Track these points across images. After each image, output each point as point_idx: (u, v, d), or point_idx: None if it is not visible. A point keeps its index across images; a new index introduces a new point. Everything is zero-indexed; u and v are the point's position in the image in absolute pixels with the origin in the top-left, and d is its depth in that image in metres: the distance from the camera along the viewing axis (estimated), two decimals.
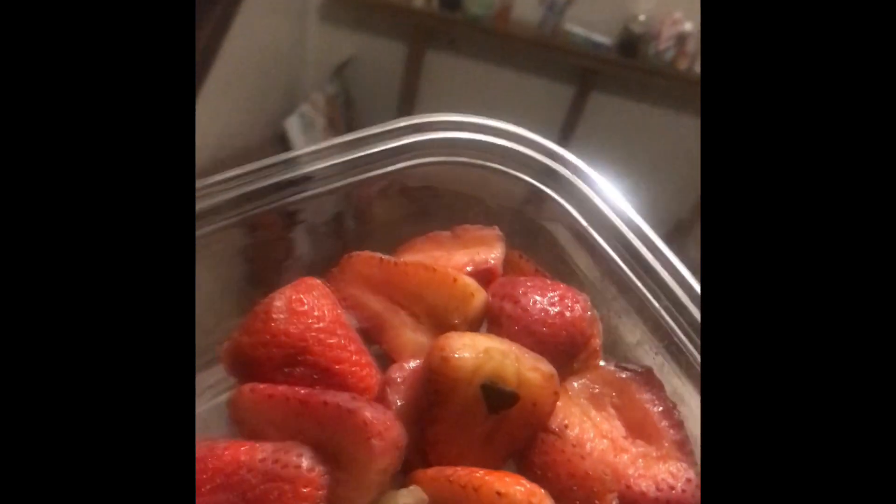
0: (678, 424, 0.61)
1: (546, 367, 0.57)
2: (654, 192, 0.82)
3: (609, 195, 0.66)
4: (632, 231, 0.65)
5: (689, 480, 0.59)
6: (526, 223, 0.71)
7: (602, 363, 0.65)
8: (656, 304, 0.64)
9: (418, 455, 0.58)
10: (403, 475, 0.58)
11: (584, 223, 0.67)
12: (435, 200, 0.71)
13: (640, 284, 0.65)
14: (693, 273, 0.64)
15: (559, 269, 0.69)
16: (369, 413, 0.53)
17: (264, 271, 0.68)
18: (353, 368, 0.60)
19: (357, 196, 0.67)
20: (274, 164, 0.62)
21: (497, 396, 0.56)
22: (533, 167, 0.68)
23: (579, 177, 0.67)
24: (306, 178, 0.63)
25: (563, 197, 0.67)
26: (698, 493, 0.59)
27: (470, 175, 0.69)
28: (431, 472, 0.56)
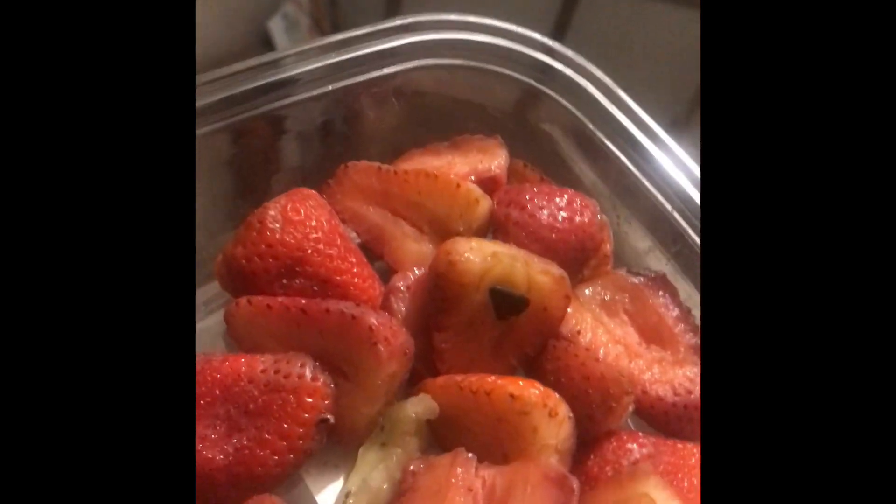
0: (694, 329, 0.59)
1: (556, 270, 0.54)
2: (650, 86, 0.79)
3: (607, 89, 0.62)
4: (634, 124, 0.62)
5: None
6: (527, 128, 0.67)
7: (613, 270, 0.62)
8: (668, 207, 0.62)
9: (426, 366, 0.55)
10: (412, 387, 0.55)
11: (585, 120, 0.63)
12: (430, 108, 0.67)
13: (648, 184, 0.62)
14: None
15: (564, 175, 0.66)
16: (374, 319, 0.50)
17: (253, 182, 0.64)
18: (355, 279, 0.57)
19: (347, 103, 0.64)
20: (258, 66, 0.58)
21: (506, 301, 0.54)
22: (529, 65, 0.65)
23: (576, 71, 0.64)
24: (292, 82, 0.59)
25: (561, 94, 0.64)
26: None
27: (464, 78, 0.66)
28: (441, 380, 0.53)
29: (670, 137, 0.62)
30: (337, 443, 0.52)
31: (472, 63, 0.65)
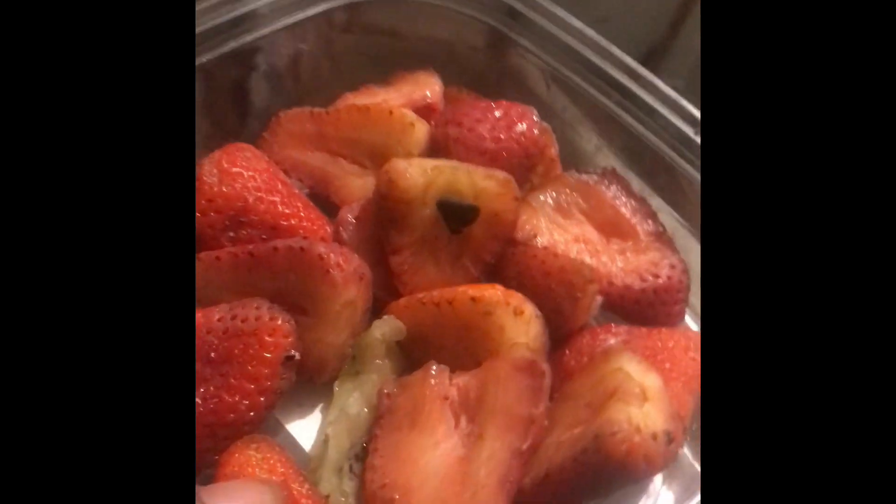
0: (652, 215, 0.58)
1: (501, 174, 0.53)
2: (626, 19, 0.78)
3: (578, 32, 0.62)
4: (609, 62, 0.61)
5: (672, 266, 0.56)
6: (496, 71, 0.67)
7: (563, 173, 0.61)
8: (608, 103, 0.61)
9: (389, 292, 0.55)
10: (377, 316, 0.54)
11: (558, 65, 0.63)
12: (398, 44, 0.66)
13: (586, 85, 0.62)
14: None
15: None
16: (323, 248, 0.50)
17: (225, 123, 0.63)
18: (304, 222, 0.56)
19: (312, 38, 0.63)
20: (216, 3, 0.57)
21: (456, 212, 0.53)
22: (495, 8, 0.64)
23: (544, 16, 0.63)
24: (252, 17, 0.58)
25: (530, 40, 0.64)
26: (685, 277, 0.56)
27: (431, 15, 0.65)
28: (403, 300, 0.52)
29: (647, 70, 0.61)
30: (310, 381, 0.51)
31: (439, 2, 0.65)
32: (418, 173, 0.52)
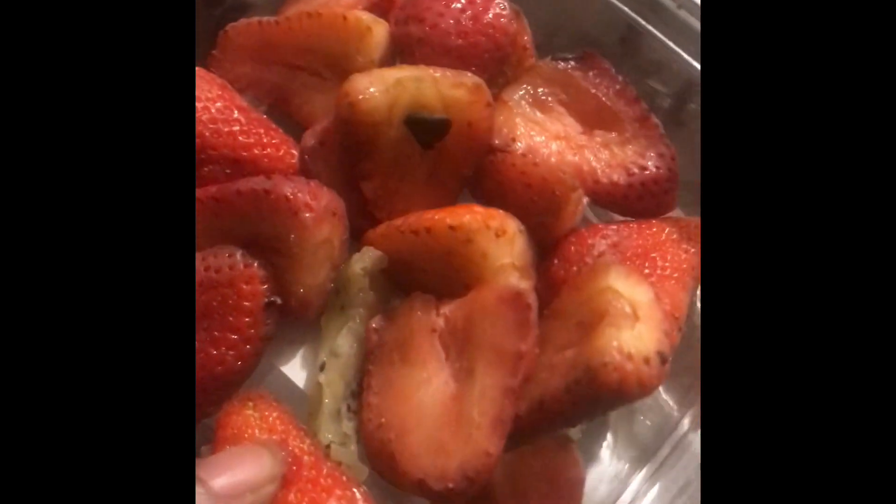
0: (635, 100, 0.54)
1: (470, 79, 0.49)
2: None
3: None
4: None
5: (659, 156, 0.53)
6: None
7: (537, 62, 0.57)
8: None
9: (366, 219, 0.52)
10: (357, 242, 0.52)
11: None
12: None
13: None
14: None
15: None
16: (289, 188, 0.47)
17: None
18: (266, 151, 0.53)
19: None
20: None
21: (426, 128, 0.49)
22: None
23: None
24: None
25: None
26: (674, 165, 0.54)
27: None
28: (381, 228, 0.50)
29: None
30: (297, 319, 0.50)
31: None
32: (380, 92, 0.48)
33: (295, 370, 0.51)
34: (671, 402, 0.56)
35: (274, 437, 0.44)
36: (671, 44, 0.58)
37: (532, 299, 0.43)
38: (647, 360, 0.40)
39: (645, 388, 0.40)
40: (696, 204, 0.51)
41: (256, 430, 0.44)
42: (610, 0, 0.59)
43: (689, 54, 0.58)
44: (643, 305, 0.43)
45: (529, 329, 0.42)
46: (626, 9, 0.59)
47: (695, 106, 0.59)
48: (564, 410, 0.42)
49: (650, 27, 0.59)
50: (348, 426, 0.47)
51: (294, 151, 0.54)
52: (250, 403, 0.46)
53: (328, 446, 0.45)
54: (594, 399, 0.40)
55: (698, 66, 0.57)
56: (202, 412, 0.48)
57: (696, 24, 0.57)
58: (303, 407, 0.48)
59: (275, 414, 0.45)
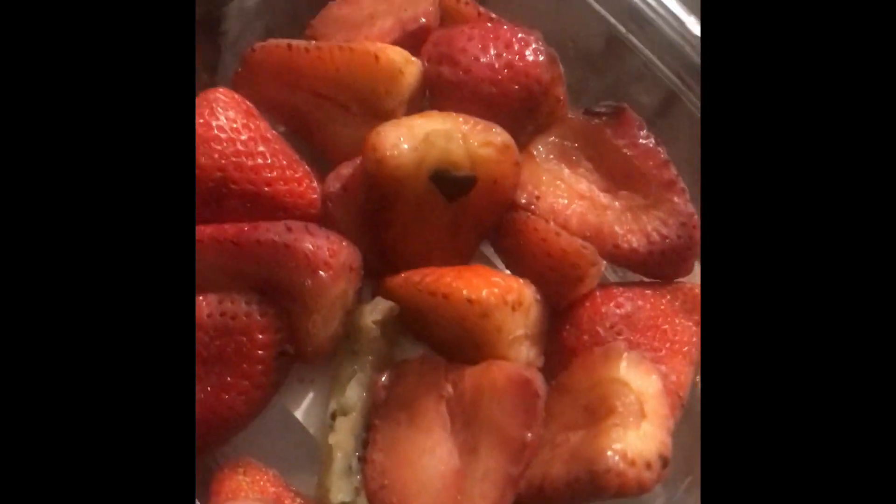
0: (664, 163, 0.53)
1: (500, 137, 0.49)
2: None
3: None
4: None
5: (681, 225, 0.52)
6: None
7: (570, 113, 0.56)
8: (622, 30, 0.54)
9: (384, 262, 0.52)
10: (371, 279, 0.53)
11: None
12: None
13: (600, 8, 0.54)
14: None
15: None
16: (309, 243, 0.47)
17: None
18: (288, 186, 0.52)
19: None
20: None
21: (452, 184, 0.49)
22: None
23: None
24: None
25: None
26: (696, 233, 0.53)
27: None
28: (399, 279, 0.50)
29: None
30: (306, 362, 0.51)
31: None
32: (409, 148, 0.47)
33: (298, 405, 0.52)
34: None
35: (267, 497, 0.45)
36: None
37: (541, 387, 0.44)
38: (649, 465, 0.41)
39: (644, 490, 0.41)
40: None
41: (250, 494, 0.46)
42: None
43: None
44: (651, 399, 0.43)
45: (536, 418, 0.43)
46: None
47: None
48: (563, 499, 0.43)
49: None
50: (357, 480, 0.48)
51: (315, 185, 0.53)
52: (240, 469, 0.47)
53: None
54: (593, 495, 0.42)
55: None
56: (207, 449, 0.49)
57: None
58: (310, 448, 0.50)
59: (265, 477, 0.47)
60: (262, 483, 0.47)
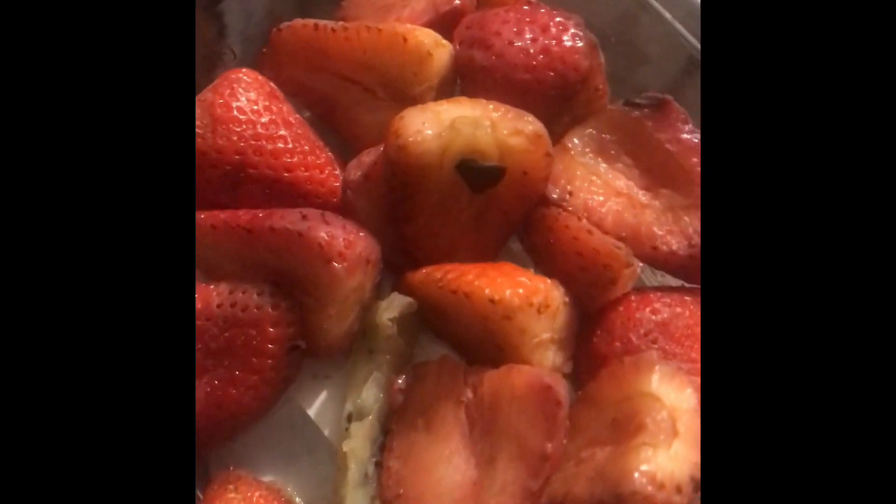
0: None
1: (531, 126, 0.45)
2: None
3: None
4: None
5: None
6: None
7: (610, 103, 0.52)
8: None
9: (404, 256, 0.50)
10: (392, 275, 0.50)
11: None
12: None
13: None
14: None
15: None
16: (324, 232, 0.44)
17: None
18: (309, 173, 0.50)
19: None
20: None
21: (478, 175, 0.46)
22: None
23: None
24: None
25: None
26: None
27: None
28: (419, 275, 0.47)
29: None
30: (319, 358, 0.48)
31: None
32: (433, 135, 0.44)
33: (311, 402, 0.49)
34: None
35: None
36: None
37: (563, 395, 0.40)
38: (679, 489, 0.37)
39: None
40: None
41: None
42: None
43: None
44: (684, 416, 0.40)
45: (557, 428, 0.40)
46: None
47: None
48: None
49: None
50: (374, 489, 0.45)
51: (338, 173, 0.51)
52: (231, 486, 0.45)
53: None
54: None
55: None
56: (214, 443, 0.47)
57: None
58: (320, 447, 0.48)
59: (257, 493, 0.44)
60: (253, 499, 0.44)
